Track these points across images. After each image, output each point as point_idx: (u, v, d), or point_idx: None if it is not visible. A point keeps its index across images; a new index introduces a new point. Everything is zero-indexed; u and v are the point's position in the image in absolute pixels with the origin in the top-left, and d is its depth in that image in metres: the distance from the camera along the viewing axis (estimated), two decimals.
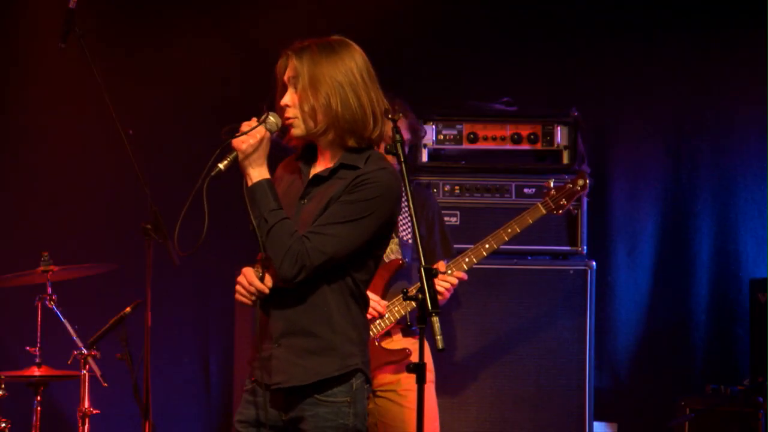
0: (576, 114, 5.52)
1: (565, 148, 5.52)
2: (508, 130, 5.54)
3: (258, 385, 3.30)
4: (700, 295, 6.25)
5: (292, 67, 3.28)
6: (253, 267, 3.24)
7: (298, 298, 3.23)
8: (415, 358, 4.34)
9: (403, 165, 3.35)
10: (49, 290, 5.16)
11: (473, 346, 5.40)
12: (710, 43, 6.31)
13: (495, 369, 5.38)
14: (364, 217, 3.22)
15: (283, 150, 3.43)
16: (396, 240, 4.70)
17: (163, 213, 4.22)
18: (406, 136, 4.75)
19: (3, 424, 4.98)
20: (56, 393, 5.86)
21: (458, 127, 5.54)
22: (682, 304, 6.26)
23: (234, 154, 3.22)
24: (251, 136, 3.22)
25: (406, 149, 4.90)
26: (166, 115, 6.24)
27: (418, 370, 3.23)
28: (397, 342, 4.66)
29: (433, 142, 5.53)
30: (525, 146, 5.54)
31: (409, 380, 4.52)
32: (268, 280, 3.21)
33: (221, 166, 3.21)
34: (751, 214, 6.25)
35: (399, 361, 4.57)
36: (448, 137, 5.54)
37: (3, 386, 4.99)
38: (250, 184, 3.24)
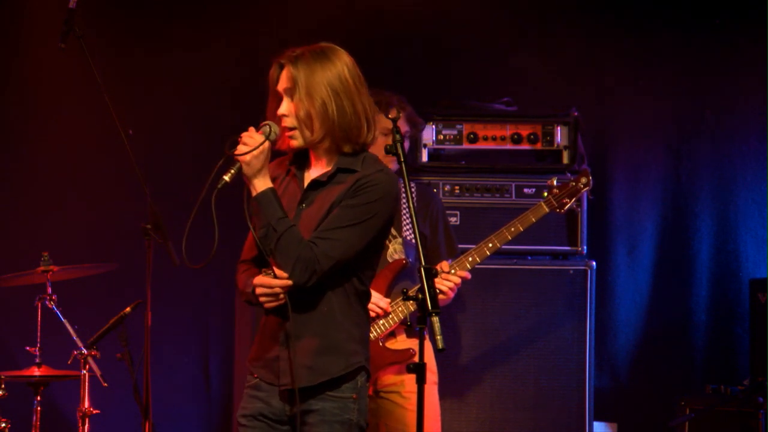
0: (576, 114, 5.52)
1: (565, 148, 5.52)
2: (508, 130, 5.54)
3: (263, 381, 3.35)
4: (700, 295, 6.25)
5: (287, 76, 3.31)
6: (263, 272, 3.26)
7: (302, 300, 3.26)
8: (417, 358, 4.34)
9: (403, 165, 3.35)
10: (49, 290, 5.16)
11: (473, 346, 5.40)
12: (710, 43, 6.31)
13: (495, 369, 5.38)
14: (367, 220, 3.27)
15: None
16: (399, 240, 4.69)
17: (163, 213, 4.22)
18: (405, 128, 4.75)
19: (3, 424, 4.98)
20: (56, 393, 5.86)
21: (458, 127, 5.54)
22: (682, 304, 6.25)
23: (238, 165, 3.25)
24: (254, 147, 3.24)
25: (407, 142, 4.91)
26: (166, 115, 6.24)
27: (418, 370, 3.24)
28: (402, 342, 4.65)
29: (433, 142, 5.53)
30: (525, 146, 5.54)
31: (412, 381, 4.51)
32: (281, 273, 3.24)
33: (226, 178, 3.24)
34: (751, 214, 6.25)
35: (403, 361, 4.57)
36: (448, 137, 5.54)
37: (3, 386, 4.99)
38: (254, 193, 3.26)
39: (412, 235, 4.70)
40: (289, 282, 3.22)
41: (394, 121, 3.49)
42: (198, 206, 3.20)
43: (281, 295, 3.23)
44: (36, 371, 5.11)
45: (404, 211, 4.73)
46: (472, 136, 5.54)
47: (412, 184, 4.87)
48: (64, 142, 6.19)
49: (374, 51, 6.32)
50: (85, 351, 4.96)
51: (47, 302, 5.14)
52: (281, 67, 3.33)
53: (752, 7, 6.11)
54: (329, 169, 3.35)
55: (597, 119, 6.14)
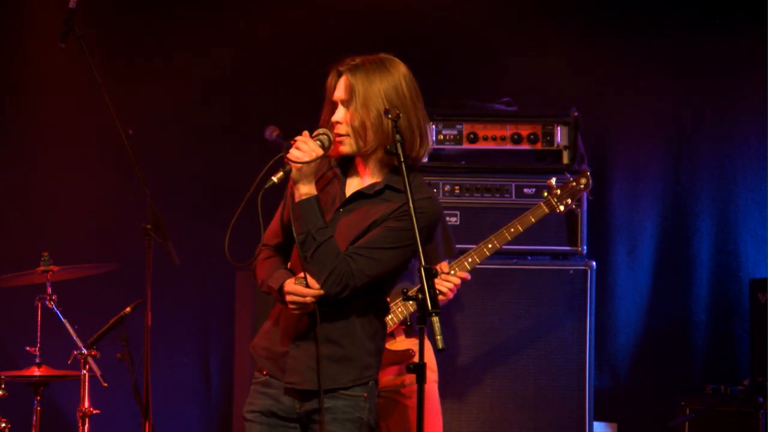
0: (576, 114, 5.52)
1: (565, 148, 5.52)
2: (508, 130, 5.54)
3: (272, 378, 3.36)
4: (700, 295, 6.25)
5: (345, 85, 3.31)
6: (295, 280, 3.26)
7: (324, 306, 3.27)
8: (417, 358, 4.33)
9: (403, 165, 3.35)
10: (49, 290, 5.16)
11: (473, 347, 5.40)
12: (710, 43, 6.31)
13: (495, 369, 5.38)
14: (407, 245, 3.28)
15: None
16: None
17: (163, 213, 4.22)
18: None
19: (3, 424, 4.97)
20: (56, 393, 5.86)
21: (458, 127, 5.54)
22: (682, 304, 6.25)
23: (288, 168, 3.24)
24: (308, 153, 3.24)
25: None
26: (166, 115, 6.24)
27: (418, 369, 3.24)
28: (401, 343, 4.65)
29: (433, 142, 5.53)
30: (525, 146, 5.54)
31: (412, 380, 4.51)
32: (313, 283, 3.25)
33: (275, 179, 3.24)
34: (751, 214, 6.25)
35: (403, 361, 4.57)
36: (448, 137, 5.54)
37: (3, 386, 4.99)
38: (298, 199, 3.27)
39: None
40: (321, 292, 3.23)
41: (395, 121, 3.50)
42: (244, 204, 3.20)
43: (311, 305, 3.24)
44: (36, 371, 5.11)
45: None
46: (472, 136, 5.54)
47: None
48: (65, 142, 6.19)
49: (374, 51, 6.32)
50: (85, 351, 4.96)
51: (47, 302, 5.14)
52: (339, 75, 3.35)
53: (752, 7, 6.11)
54: (376, 180, 3.36)
55: (597, 119, 6.14)
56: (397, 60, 3.39)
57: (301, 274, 3.25)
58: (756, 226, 6.23)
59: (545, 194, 4.89)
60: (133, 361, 4.64)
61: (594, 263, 5.45)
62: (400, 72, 3.34)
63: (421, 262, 3.25)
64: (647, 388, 6.20)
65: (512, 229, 4.79)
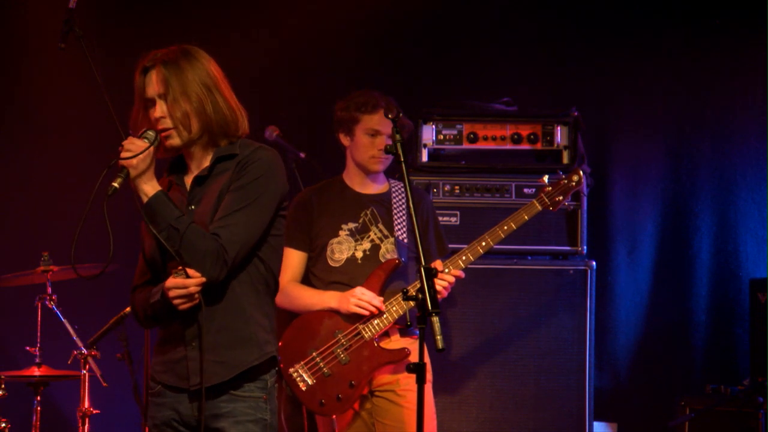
0: (576, 114, 5.52)
1: (565, 148, 5.52)
2: (508, 130, 5.54)
3: (166, 388, 3.30)
4: (700, 295, 6.25)
5: (159, 79, 3.30)
6: (173, 274, 3.22)
7: (207, 296, 3.22)
8: (414, 357, 4.33)
9: (403, 164, 3.35)
10: (49, 290, 5.17)
11: (473, 346, 5.40)
12: (710, 43, 6.31)
13: (495, 369, 5.38)
14: (259, 197, 3.26)
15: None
16: (391, 239, 4.69)
17: None
18: (389, 130, 4.71)
19: (3, 424, 4.98)
20: (56, 393, 5.86)
21: (458, 127, 5.54)
22: (682, 304, 6.26)
23: (125, 171, 3.24)
24: (141, 150, 3.22)
25: None
26: None
27: (419, 370, 3.24)
28: (396, 342, 4.65)
29: (433, 142, 5.53)
30: (525, 146, 5.54)
31: (407, 380, 4.53)
32: (193, 272, 3.20)
33: (116, 184, 3.24)
34: (751, 214, 6.25)
35: (398, 361, 4.57)
36: (448, 137, 5.54)
37: (3, 386, 5.00)
38: (146, 199, 3.25)
39: (404, 235, 4.70)
40: (203, 279, 3.18)
41: (395, 121, 3.50)
42: (85, 215, 3.26)
43: (196, 295, 3.19)
44: (36, 371, 5.12)
45: (396, 211, 4.73)
46: (472, 136, 5.54)
47: (402, 184, 4.83)
48: (65, 142, 6.20)
49: (374, 51, 6.33)
50: (85, 351, 4.97)
51: (47, 302, 5.15)
52: (145, 72, 3.34)
53: (752, 7, 6.11)
54: (208, 163, 3.34)
55: (597, 119, 6.14)
56: (197, 47, 3.38)
57: (179, 268, 3.19)
58: (756, 226, 6.23)
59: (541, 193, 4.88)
60: (133, 361, 4.64)
61: (594, 263, 5.45)
62: (205, 57, 3.35)
63: (420, 262, 3.25)
64: (647, 388, 6.20)
65: (506, 227, 4.78)
